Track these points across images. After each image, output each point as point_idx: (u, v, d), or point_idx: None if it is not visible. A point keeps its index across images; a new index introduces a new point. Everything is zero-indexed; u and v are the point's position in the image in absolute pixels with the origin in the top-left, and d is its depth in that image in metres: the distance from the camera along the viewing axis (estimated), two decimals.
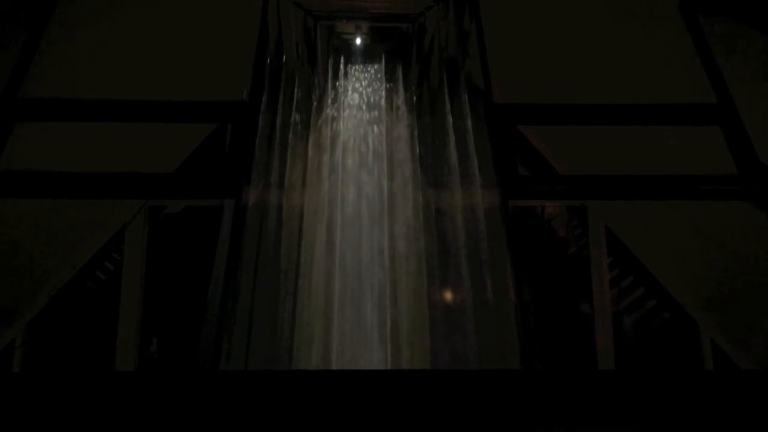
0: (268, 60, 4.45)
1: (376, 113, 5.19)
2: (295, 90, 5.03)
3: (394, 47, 5.79)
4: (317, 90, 5.33)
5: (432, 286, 4.11)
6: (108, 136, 3.77)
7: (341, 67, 5.60)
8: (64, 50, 3.51)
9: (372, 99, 5.32)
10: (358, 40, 5.81)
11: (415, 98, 5.33)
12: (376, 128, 5.07)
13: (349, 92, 5.37)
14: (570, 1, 3.99)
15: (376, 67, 5.66)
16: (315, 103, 5.18)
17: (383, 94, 5.37)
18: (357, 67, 5.66)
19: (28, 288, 4.33)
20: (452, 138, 4.53)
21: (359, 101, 5.29)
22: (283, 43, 4.84)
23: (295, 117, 4.88)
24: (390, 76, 5.56)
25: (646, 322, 5.45)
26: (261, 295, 3.77)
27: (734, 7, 3.57)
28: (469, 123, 4.34)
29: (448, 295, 4.19)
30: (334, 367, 3.82)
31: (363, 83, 5.48)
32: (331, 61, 5.63)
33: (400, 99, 5.32)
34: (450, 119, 4.65)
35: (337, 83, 5.43)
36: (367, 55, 5.77)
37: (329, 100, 5.24)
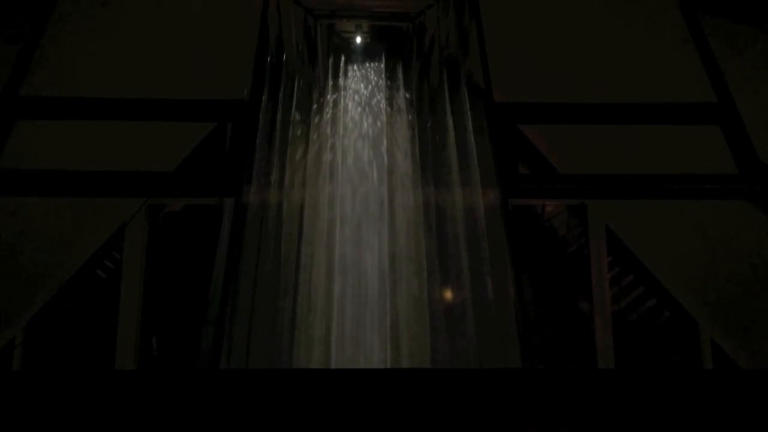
0: (269, 58, 4.46)
1: (376, 112, 5.19)
2: (296, 89, 5.03)
3: (395, 46, 5.80)
4: (317, 88, 5.33)
5: (432, 284, 4.11)
6: (108, 134, 3.77)
7: (341, 65, 5.60)
8: (65, 48, 3.51)
9: (372, 98, 5.32)
10: (359, 39, 5.82)
11: (415, 97, 5.33)
12: (376, 127, 5.07)
13: (350, 91, 5.38)
14: (569, 0, 3.99)
15: (376, 66, 5.67)
16: (315, 102, 5.18)
17: (383, 92, 5.37)
18: (357, 65, 5.67)
19: (28, 287, 4.33)
20: (452, 137, 4.54)
21: (359, 100, 5.30)
22: (283, 41, 4.84)
23: (296, 115, 4.88)
24: (390, 75, 5.57)
25: (646, 321, 5.46)
26: (261, 293, 3.78)
27: (735, 5, 3.57)
28: (469, 122, 4.34)
29: (448, 294, 4.19)
30: (333, 365, 3.83)
31: (363, 82, 5.49)
32: (331, 60, 5.63)
33: (400, 98, 5.32)
34: (450, 118, 4.66)
35: (338, 82, 5.43)
36: (368, 54, 5.78)
37: (329, 99, 5.24)
